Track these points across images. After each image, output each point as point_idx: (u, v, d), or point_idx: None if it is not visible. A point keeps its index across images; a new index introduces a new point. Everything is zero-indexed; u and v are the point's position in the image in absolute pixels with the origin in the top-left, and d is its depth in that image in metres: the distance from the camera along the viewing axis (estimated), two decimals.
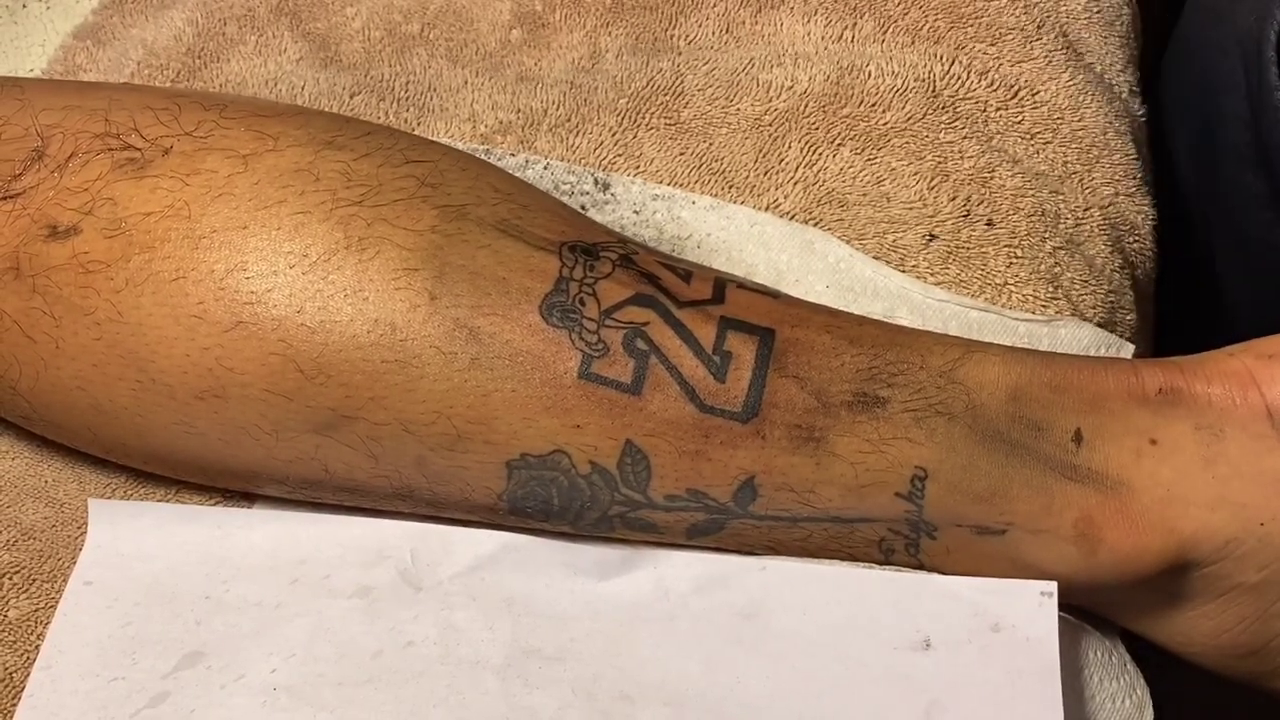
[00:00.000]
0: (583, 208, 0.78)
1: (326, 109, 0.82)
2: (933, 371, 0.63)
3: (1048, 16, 0.87)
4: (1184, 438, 0.63)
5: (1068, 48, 0.86)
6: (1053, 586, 0.63)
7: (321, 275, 0.61)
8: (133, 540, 0.66)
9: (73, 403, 0.63)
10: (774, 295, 0.65)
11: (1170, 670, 0.69)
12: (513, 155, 0.80)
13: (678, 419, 0.61)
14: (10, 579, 0.67)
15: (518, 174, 0.79)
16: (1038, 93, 0.84)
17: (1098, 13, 0.90)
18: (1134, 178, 0.83)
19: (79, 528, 0.68)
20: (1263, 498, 0.62)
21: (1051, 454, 0.62)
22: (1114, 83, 0.88)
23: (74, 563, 0.65)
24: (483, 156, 0.79)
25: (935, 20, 0.85)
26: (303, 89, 0.83)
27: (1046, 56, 0.85)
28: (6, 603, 0.66)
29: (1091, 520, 0.62)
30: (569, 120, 0.82)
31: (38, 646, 0.64)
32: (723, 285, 0.64)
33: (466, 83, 0.84)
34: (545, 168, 0.80)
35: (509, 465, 0.62)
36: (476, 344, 0.61)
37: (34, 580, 0.67)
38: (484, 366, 0.61)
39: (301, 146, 0.63)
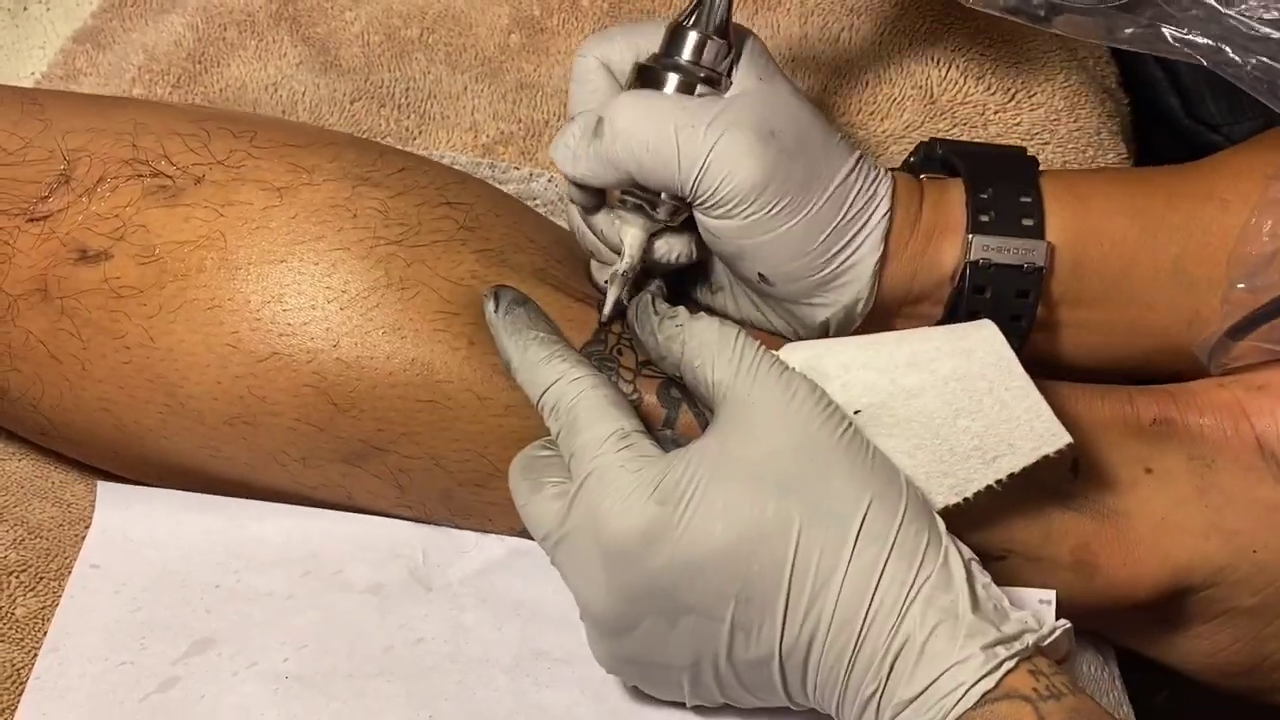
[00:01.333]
0: None
1: (327, 115, 0.82)
2: None
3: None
4: (1177, 467, 0.64)
5: (1060, 47, 0.86)
6: (1051, 594, 0.64)
7: (360, 311, 0.61)
8: (143, 526, 0.66)
9: (96, 423, 0.64)
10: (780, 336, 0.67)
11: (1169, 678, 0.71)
12: (516, 169, 0.81)
13: None
14: (17, 577, 0.67)
15: (521, 187, 0.79)
16: (1034, 95, 0.84)
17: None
18: None
19: (86, 527, 0.68)
20: (1254, 526, 0.64)
21: (1049, 483, 0.64)
22: (1103, 75, 0.88)
23: None
24: (487, 170, 0.80)
25: (931, 23, 0.86)
26: (303, 94, 0.83)
27: (1042, 58, 0.85)
28: (14, 601, 0.66)
29: (1088, 548, 0.64)
30: None
31: None
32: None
33: (466, 89, 0.84)
34: (549, 181, 0.81)
35: None
36: (513, 391, 0.62)
37: (41, 579, 0.67)
38: (519, 414, 0.62)
39: (337, 181, 0.63)
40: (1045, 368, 0.67)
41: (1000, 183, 0.66)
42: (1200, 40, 0.64)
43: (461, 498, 0.64)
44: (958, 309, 0.65)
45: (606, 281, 0.65)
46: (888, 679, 0.53)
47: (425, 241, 0.63)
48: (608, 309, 0.64)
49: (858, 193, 0.63)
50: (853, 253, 0.63)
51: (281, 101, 0.83)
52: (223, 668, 0.63)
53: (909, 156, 0.72)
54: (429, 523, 0.66)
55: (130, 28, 0.86)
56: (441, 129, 0.83)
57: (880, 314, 0.65)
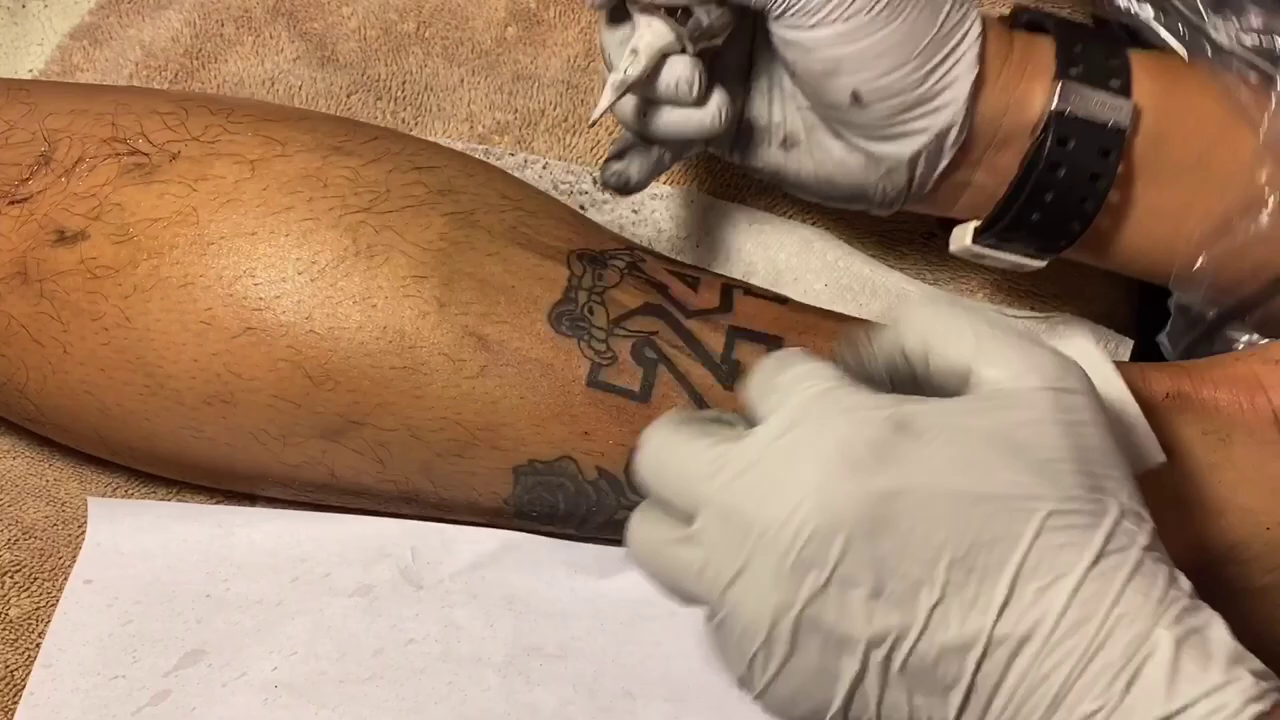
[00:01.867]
0: (581, 207, 0.79)
1: (324, 109, 0.82)
2: None
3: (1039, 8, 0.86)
4: (1191, 443, 0.63)
5: None
6: None
7: (330, 282, 0.61)
8: (133, 539, 0.66)
9: (80, 406, 0.64)
10: (781, 301, 0.66)
11: None
12: (511, 155, 0.81)
13: None
14: (11, 577, 0.67)
15: (516, 174, 0.79)
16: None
17: (1081, 3, 0.91)
18: None
19: (80, 526, 0.68)
20: (1269, 502, 0.62)
21: None
22: None
23: (75, 561, 0.66)
24: (481, 156, 0.80)
25: None
26: (300, 89, 0.83)
27: None
28: (7, 601, 0.67)
29: None
30: (566, 120, 0.83)
31: (38, 644, 0.64)
32: (730, 292, 0.65)
33: (463, 81, 0.84)
34: (544, 167, 0.80)
35: (516, 471, 0.62)
36: (485, 352, 0.61)
37: (35, 579, 0.67)
38: (493, 374, 0.61)
39: (309, 152, 0.63)
40: (1106, 260, 0.68)
41: (1091, 40, 0.65)
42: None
43: (441, 469, 0.63)
44: (1036, 162, 0.64)
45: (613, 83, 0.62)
46: (1123, 696, 0.46)
47: (395, 207, 0.62)
48: (597, 112, 0.62)
49: (951, 8, 0.62)
50: (950, 68, 0.62)
51: (279, 96, 0.83)
52: (213, 679, 0.63)
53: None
54: (414, 499, 0.66)
55: (128, 24, 0.86)
56: (438, 120, 0.83)
57: (963, 160, 0.65)
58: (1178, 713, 0.45)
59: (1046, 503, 0.48)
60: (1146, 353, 0.76)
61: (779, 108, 0.67)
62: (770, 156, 0.68)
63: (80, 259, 0.62)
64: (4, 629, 0.66)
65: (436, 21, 0.86)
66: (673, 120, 0.65)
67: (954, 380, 0.52)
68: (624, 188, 0.66)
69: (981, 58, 0.63)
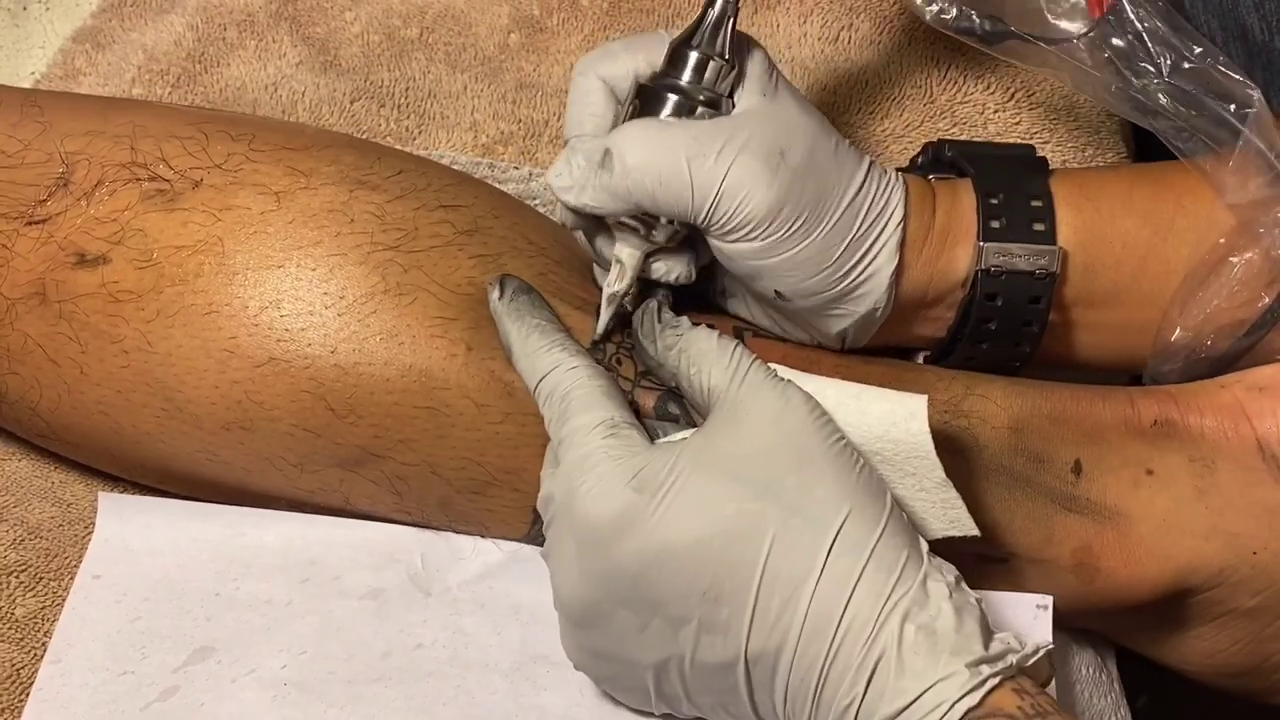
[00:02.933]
0: None
1: (327, 115, 0.82)
2: (938, 408, 0.64)
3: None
4: (1178, 469, 0.65)
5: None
6: (1048, 600, 0.64)
7: (358, 318, 0.61)
8: (142, 535, 0.66)
9: (94, 426, 0.64)
10: (787, 341, 0.67)
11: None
12: (516, 168, 0.81)
13: None
14: (17, 577, 0.67)
15: (521, 187, 0.79)
16: (1033, 93, 0.84)
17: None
18: None
19: (86, 527, 0.68)
20: (1255, 527, 0.64)
21: (1052, 485, 0.64)
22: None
23: (80, 562, 0.66)
24: (486, 171, 0.80)
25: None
26: (303, 94, 0.83)
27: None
28: (14, 601, 0.67)
29: (1090, 550, 0.64)
30: None
31: (45, 644, 0.65)
32: (741, 336, 0.66)
33: (466, 88, 0.84)
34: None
35: (534, 511, 0.63)
36: (510, 399, 0.62)
37: (40, 579, 0.67)
38: (516, 421, 0.62)
39: (334, 185, 0.63)
40: (1055, 367, 0.68)
41: (1011, 187, 0.65)
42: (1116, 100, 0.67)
43: (459, 505, 0.64)
44: (969, 315, 0.65)
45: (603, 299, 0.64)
46: (865, 694, 0.52)
47: (423, 247, 0.63)
48: (600, 327, 0.64)
49: (871, 203, 0.63)
50: (869, 264, 0.63)
51: (281, 101, 0.83)
52: (222, 675, 0.63)
53: (916, 156, 0.72)
54: (428, 528, 0.66)
55: (130, 28, 0.86)
56: (441, 129, 0.83)
57: (896, 321, 0.65)
58: (904, 709, 0.51)
59: (774, 524, 0.54)
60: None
61: (718, 269, 0.67)
62: (715, 300, 0.69)
63: (101, 282, 0.62)
64: (10, 628, 0.66)
65: (439, 27, 0.86)
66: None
67: (702, 400, 0.59)
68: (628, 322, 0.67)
69: (902, 244, 0.63)
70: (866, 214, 0.62)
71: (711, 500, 0.54)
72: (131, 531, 0.66)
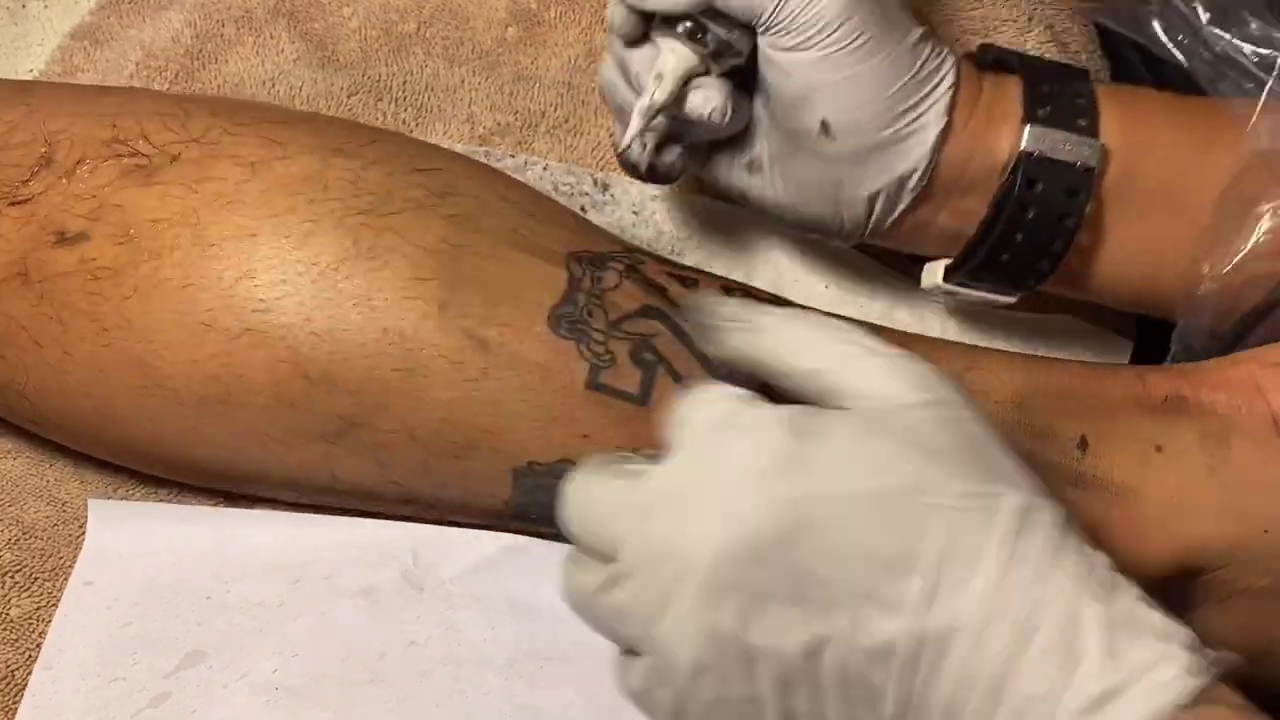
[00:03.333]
0: (582, 209, 0.79)
1: (324, 109, 0.82)
2: None
3: (1035, 9, 0.87)
4: (1190, 445, 0.63)
5: (1055, 39, 0.86)
6: None
7: (331, 284, 0.61)
8: (133, 540, 0.66)
9: (80, 408, 0.64)
10: (780, 303, 0.66)
11: None
12: (512, 157, 0.81)
13: None
14: (12, 577, 0.67)
15: (517, 175, 0.79)
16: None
17: (1077, 3, 0.91)
18: None
19: (80, 527, 0.68)
20: (1267, 505, 0.62)
21: (1057, 461, 0.63)
22: (1097, 69, 0.88)
23: (75, 562, 0.66)
24: (482, 158, 0.80)
25: (929, 14, 0.86)
26: (300, 89, 0.83)
27: (1039, 48, 0.85)
28: (8, 601, 0.67)
29: (1096, 528, 0.62)
30: (567, 121, 0.83)
31: (39, 644, 0.64)
32: (730, 294, 0.65)
33: (464, 82, 0.84)
34: (545, 169, 0.80)
35: (515, 473, 0.62)
36: (486, 355, 0.61)
37: (35, 579, 0.67)
38: (493, 377, 0.61)
39: (310, 154, 0.63)
40: (1071, 297, 0.68)
41: (1058, 81, 0.66)
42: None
43: (440, 471, 0.63)
44: (1005, 204, 0.64)
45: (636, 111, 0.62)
46: (1064, 677, 0.46)
47: (396, 209, 0.62)
48: (627, 136, 0.63)
49: (929, 56, 0.63)
50: (920, 115, 0.63)
51: (279, 97, 0.83)
52: (214, 680, 0.63)
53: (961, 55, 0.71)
54: (414, 501, 0.65)
55: (128, 24, 0.86)
56: (438, 121, 0.83)
57: (926, 202, 0.65)
58: (1118, 688, 0.46)
59: (950, 492, 0.48)
60: (1145, 355, 0.76)
61: (751, 131, 0.67)
62: (735, 177, 0.68)
63: (80, 260, 0.62)
64: (4, 629, 0.66)
65: (437, 22, 0.87)
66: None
67: (813, 397, 0.52)
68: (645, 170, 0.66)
69: (952, 107, 0.64)
70: (925, 63, 0.63)
71: (881, 456, 0.49)
72: (123, 537, 0.66)
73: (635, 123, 0.63)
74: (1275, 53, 0.65)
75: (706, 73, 0.64)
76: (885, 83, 0.62)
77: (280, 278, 0.61)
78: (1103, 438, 0.63)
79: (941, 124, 0.63)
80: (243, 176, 0.62)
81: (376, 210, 0.62)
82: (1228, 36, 0.66)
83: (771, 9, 0.60)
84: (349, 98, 0.83)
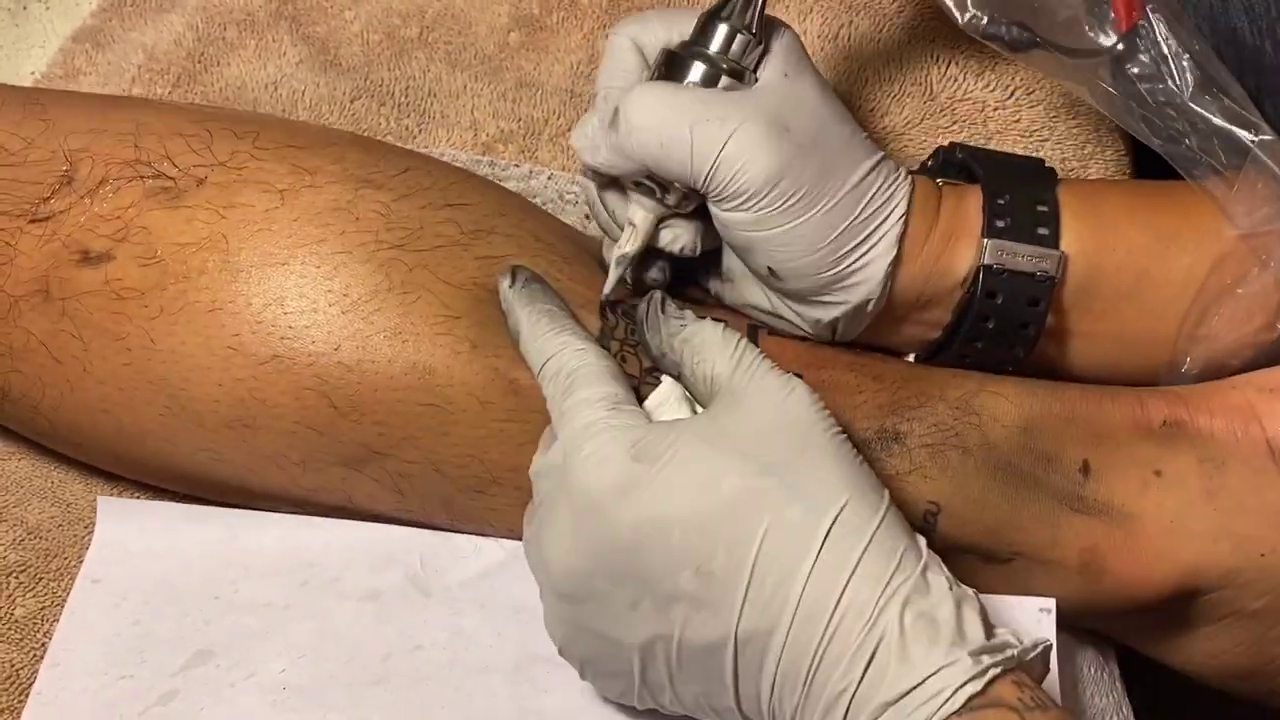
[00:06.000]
0: (586, 218, 0.78)
1: (327, 114, 0.82)
2: (950, 404, 0.64)
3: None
4: (1188, 470, 0.64)
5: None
6: (1051, 603, 0.64)
7: (362, 315, 0.61)
8: (142, 539, 0.66)
9: (97, 424, 0.64)
10: (802, 339, 0.67)
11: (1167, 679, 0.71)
12: (516, 166, 0.81)
13: None
14: (16, 577, 0.67)
15: (522, 184, 0.79)
16: (1033, 92, 0.85)
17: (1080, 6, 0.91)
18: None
19: (85, 527, 0.68)
20: (1263, 529, 0.63)
21: (1060, 485, 0.64)
22: (1100, 75, 0.88)
23: (80, 562, 0.66)
24: (487, 169, 0.80)
25: (930, 20, 0.86)
26: (303, 93, 0.83)
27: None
28: (13, 601, 0.67)
29: (1097, 551, 0.64)
30: (570, 128, 0.83)
31: (44, 644, 0.65)
32: (754, 333, 0.66)
33: (466, 87, 0.84)
34: (549, 178, 0.81)
35: None
36: (515, 397, 0.62)
37: (40, 579, 0.67)
38: (520, 419, 0.62)
39: (339, 184, 0.63)
40: (1053, 376, 0.68)
41: (1017, 190, 0.66)
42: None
43: (461, 504, 0.64)
44: (968, 314, 0.65)
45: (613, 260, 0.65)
46: (861, 679, 0.51)
47: (428, 246, 0.63)
48: (607, 288, 0.64)
49: (875, 192, 0.63)
50: (866, 252, 0.63)
51: (281, 100, 0.83)
52: (221, 679, 0.63)
53: (926, 160, 0.73)
54: (429, 527, 0.66)
55: (130, 27, 0.86)
56: (441, 127, 0.83)
57: (889, 318, 0.65)
58: (905, 694, 0.51)
59: (773, 503, 0.53)
60: None
61: (722, 248, 0.67)
62: (710, 284, 0.69)
63: (105, 279, 0.62)
64: (9, 628, 0.66)
65: (439, 26, 0.86)
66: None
67: (705, 389, 0.59)
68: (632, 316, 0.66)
69: (903, 236, 0.63)
70: (869, 202, 0.62)
71: (711, 474, 0.54)
72: (131, 535, 0.66)
73: (613, 273, 0.65)
74: (1246, 131, 0.65)
75: (676, 214, 0.65)
76: (824, 232, 0.62)
77: (310, 306, 0.61)
78: (1104, 463, 0.64)
79: (891, 255, 0.63)
80: (271, 204, 0.62)
81: (408, 245, 0.62)
82: (1208, 106, 0.66)
83: (704, 177, 0.61)
84: (352, 103, 0.83)
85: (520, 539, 0.65)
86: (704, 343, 0.59)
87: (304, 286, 0.61)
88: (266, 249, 0.62)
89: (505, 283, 0.62)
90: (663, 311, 0.61)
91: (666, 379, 0.62)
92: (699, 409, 0.61)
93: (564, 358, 0.59)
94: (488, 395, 0.62)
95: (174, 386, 0.62)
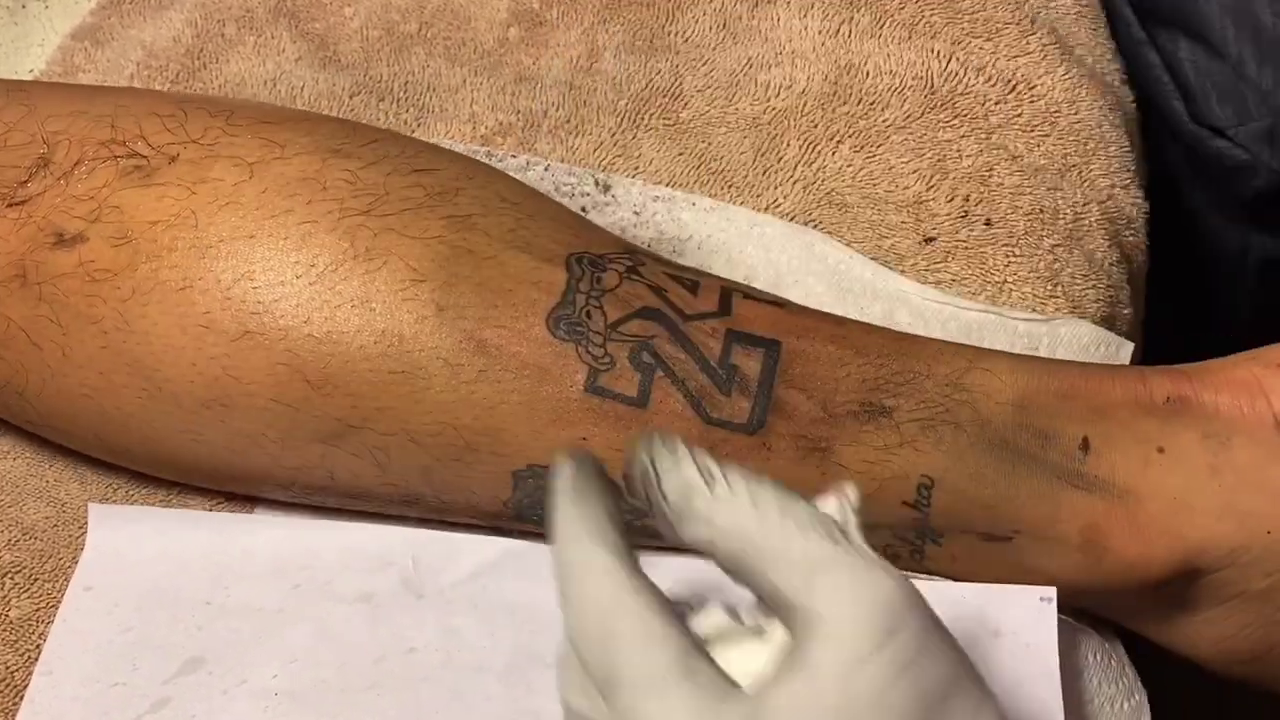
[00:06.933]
0: (583, 209, 0.78)
1: (326, 110, 0.82)
2: (939, 380, 0.63)
3: (1039, 11, 0.87)
4: (1191, 446, 0.63)
5: (1059, 42, 0.86)
6: (1052, 592, 0.63)
7: (329, 286, 0.61)
8: (133, 545, 0.66)
9: (79, 410, 0.63)
10: (781, 304, 0.65)
11: (1170, 668, 0.70)
12: (514, 157, 0.81)
13: (684, 432, 0.61)
14: (11, 578, 0.67)
15: (518, 175, 0.79)
16: (1034, 87, 0.84)
17: (1086, 5, 0.91)
18: (1128, 170, 0.83)
19: (80, 527, 0.67)
20: (1269, 506, 0.62)
21: (1059, 462, 0.62)
22: (1105, 72, 0.88)
23: (75, 563, 0.65)
24: (484, 159, 0.79)
25: (931, 15, 0.86)
26: (302, 89, 0.83)
27: (1041, 50, 0.85)
28: (8, 602, 0.66)
29: (1098, 528, 0.62)
30: (569, 121, 0.82)
31: (39, 646, 0.64)
32: (729, 296, 0.64)
33: (465, 82, 0.84)
34: (546, 169, 0.80)
35: (515, 475, 0.62)
36: (484, 356, 0.61)
37: (35, 580, 0.67)
38: (491, 379, 0.61)
39: (309, 154, 0.63)
40: None
41: None
42: None
43: (440, 473, 0.63)
44: None
45: None
46: None
47: (394, 210, 0.62)
48: None
49: None
50: None
51: (280, 97, 0.83)
52: (213, 686, 0.62)
53: None
54: (414, 504, 0.65)
55: (129, 24, 0.86)
56: (440, 121, 0.83)
57: None
58: None
59: None
60: (1147, 356, 0.76)
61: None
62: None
63: (79, 262, 0.61)
64: (4, 630, 0.65)
65: (438, 22, 0.87)
66: None
67: (783, 609, 0.48)
68: None
69: None
70: None
71: None
72: (123, 541, 0.66)
73: None
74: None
75: None
76: None
77: (278, 279, 0.60)
78: (1105, 439, 0.63)
79: None
80: (240, 177, 0.62)
81: (374, 210, 0.62)
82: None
83: None
84: (351, 98, 0.83)
85: (509, 530, 0.65)
86: (752, 545, 0.48)
87: (271, 259, 0.61)
88: (234, 223, 0.61)
89: (564, 471, 0.51)
90: (665, 499, 0.49)
91: (714, 604, 0.51)
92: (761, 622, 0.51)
93: (620, 628, 0.47)
94: (456, 358, 0.61)
95: (149, 368, 0.61)
